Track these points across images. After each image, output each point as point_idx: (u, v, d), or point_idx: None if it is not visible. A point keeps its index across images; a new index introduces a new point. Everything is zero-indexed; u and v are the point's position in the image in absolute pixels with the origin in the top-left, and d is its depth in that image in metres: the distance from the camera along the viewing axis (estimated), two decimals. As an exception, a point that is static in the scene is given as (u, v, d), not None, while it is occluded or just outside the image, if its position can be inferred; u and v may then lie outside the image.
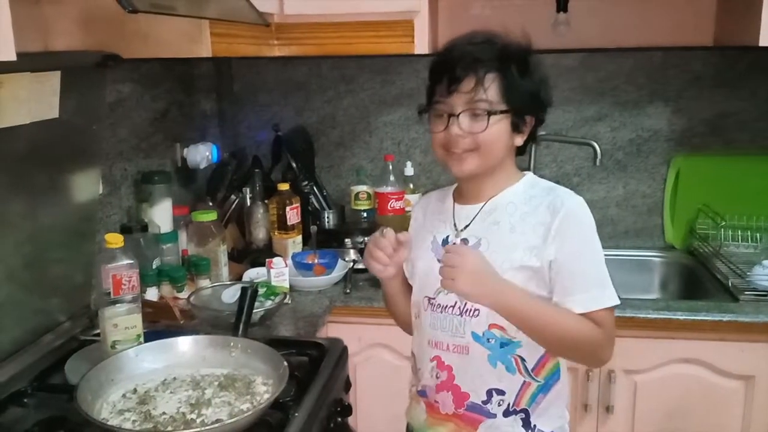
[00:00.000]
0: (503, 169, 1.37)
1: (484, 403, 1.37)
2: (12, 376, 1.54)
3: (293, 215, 2.36)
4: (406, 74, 2.61)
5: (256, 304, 1.72)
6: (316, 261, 2.22)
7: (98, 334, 1.64)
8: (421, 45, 2.11)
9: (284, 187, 2.37)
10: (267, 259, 2.07)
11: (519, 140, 1.34)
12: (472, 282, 1.27)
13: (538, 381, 1.37)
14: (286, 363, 1.41)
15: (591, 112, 2.53)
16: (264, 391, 1.40)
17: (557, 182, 2.63)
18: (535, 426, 1.38)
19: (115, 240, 1.51)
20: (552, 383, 1.38)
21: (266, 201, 2.42)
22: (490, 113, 1.28)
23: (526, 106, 1.32)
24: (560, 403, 1.41)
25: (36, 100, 1.50)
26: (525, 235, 1.32)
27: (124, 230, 1.92)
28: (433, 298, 1.40)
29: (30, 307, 1.66)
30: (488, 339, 1.34)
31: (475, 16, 2.52)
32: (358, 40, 2.10)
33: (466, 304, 1.35)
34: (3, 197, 1.51)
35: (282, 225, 2.35)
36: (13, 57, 1.00)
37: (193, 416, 1.31)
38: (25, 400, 1.47)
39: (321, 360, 1.63)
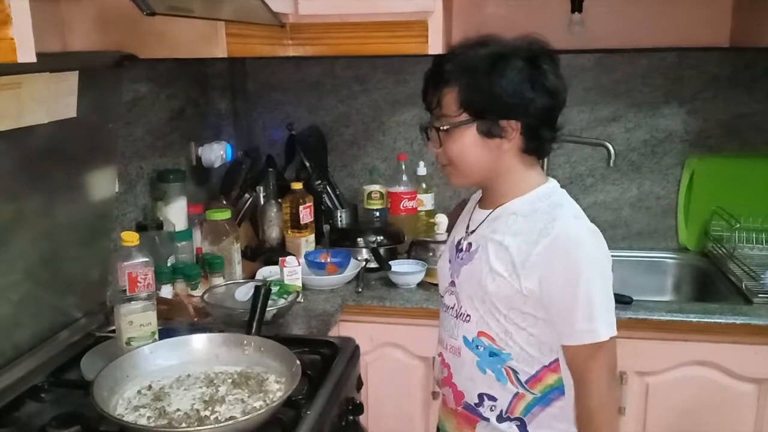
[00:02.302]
0: (509, 176, 1.34)
1: (477, 405, 1.40)
2: (29, 372, 1.56)
3: (306, 214, 2.37)
4: (419, 74, 2.56)
5: (269, 302, 1.72)
6: (328, 260, 2.23)
7: (113, 331, 1.66)
8: (435, 45, 2.11)
9: (297, 186, 2.38)
10: (280, 258, 2.08)
11: (507, 145, 1.30)
12: None
13: (533, 393, 1.35)
14: (298, 361, 1.42)
15: (605, 113, 2.53)
16: (277, 389, 1.41)
17: (570, 183, 2.64)
18: None
19: (131, 238, 1.53)
20: (553, 397, 1.36)
21: (280, 200, 2.43)
22: (438, 129, 1.31)
23: (491, 110, 1.27)
24: (565, 418, 1.37)
25: (54, 99, 1.51)
26: (510, 250, 1.30)
27: (140, 228, 1.94)
28: (442, 297, 1.45)
29: (47, 304, 1.68)
30: (477, 346, 1.37)
31: (489, 16, 2.52)
32: (372, 41, 2.11)
33: (461, 307, 1.38)
34: (22, 195, 1.53)
35: (295, 224, 2.36)
36: (33, 59, 1.01)
37: (207, 413, 1.32)
38: (42, 395, 1.49)
39: (333, 358, 1.64)
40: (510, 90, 1.25)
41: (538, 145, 1.32)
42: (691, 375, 1.96)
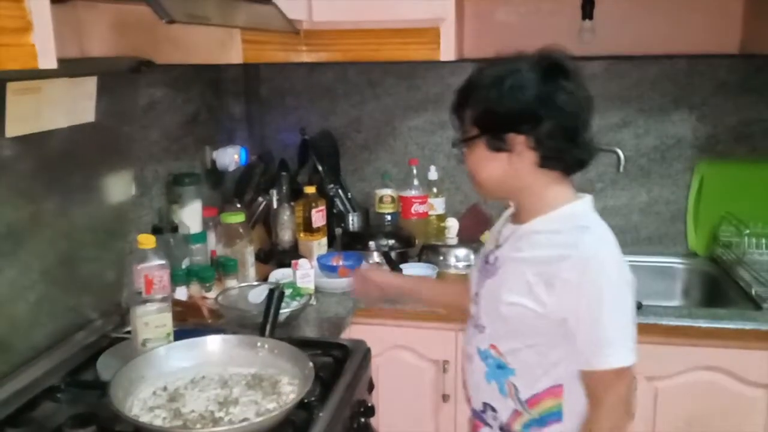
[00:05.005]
0: (531, 192, 1.34)
1: (482, 412, 1.45)
2: (45, 372, 1.59)
3: (319, 218, 2.39)
4: (431, 79, 2.63)
5: (282, 305, 1.75)
6: (340, 263, 2.25)
7: (129, 332, 1.68)
8: (447, 52, 2.13)
9: (310, 189, 2.40)
10: (292, 261, 2.10)
11: (515, 159, 1.29)
12: None
13: (530, 413, 1.36)
14: (311, 364, 1.44)
15: (615, 119, 2.54)
16: (290, 391, 1.43)
17: (580, 188, 2.65)
18: None
19: (147, 241, 1.56)
20: (549, 421, 1.36)
21: (292, 203, 2.45)
22: (453, 143, 1.39)
23: (495, 125, 1.29)
24: None
25: (73, 104, 1.54)
26: (528, 271, 1.30)
27: (155, 231, 1.96)
28: (469, 304, 1.46)
29: (63, 305, 1.70)
30: (487, 357, 1.39)
31: (500, 23, 2.54)
32: (385, 47, 2.13)
33: (479, 318, 1.41)
34: (40, 197, 1.55)
35: (307, 227, 2.39)
36: (54, 65, 1.03)
37: (221, 414, 1.34)
38: (58, 396, 1.51)
39: (345, 361, 1.66)
40: (511, 106, 1.26)
41: (556, 160, 1.31)
42: (700, 380, 1.96)
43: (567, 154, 1.31)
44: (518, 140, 1.28)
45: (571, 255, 1.25)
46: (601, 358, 1.27)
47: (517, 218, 1.39)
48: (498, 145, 1.29)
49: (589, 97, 1.32)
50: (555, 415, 1.35)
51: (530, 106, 1.26)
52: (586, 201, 1.37)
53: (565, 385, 1.33)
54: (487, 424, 1.45)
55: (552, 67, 1.28)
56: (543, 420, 1.36)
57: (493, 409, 1.41)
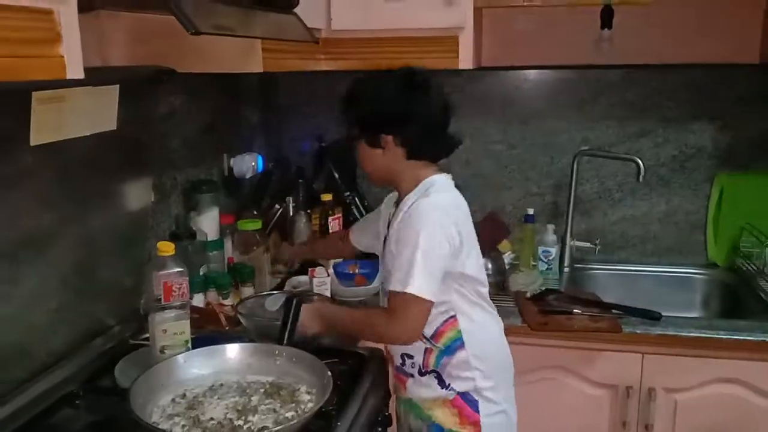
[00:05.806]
0: (403, 179, 1.63)
1: (402, 365, 1.69)
2: (64, 379, 1.59)
3: (335, 225, 2.39)
4: (447, 87, 2.58)
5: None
6: (357, 271, 2.25)
7: (147, 339, 1.68)
8: (466, 60, 2.13)
9: (327, 197, 2.41)
10: (309, 268, 2.11)
11: (389, 153, 1.59)
12: (319, 326, 1.67)
13: (438, 347, 1.62)
14: (329, 372, 1.44)
15: (634, 128, 2.53)
16: (308, 399, 1.42)
17: (599, 198, 2.62)
18: (449, 384, 1.63)
19: (167, 248, 1.55)
20: (455, 349, 1.61)
21: (309, 211, 2.45)
22: (345, 140, 1.69)
23: (369, 126, 1.60)
24: (467, 367, 1.61)
25: (96, 113, 1.55)
26: (393, 230, 1.59)
27: (173, 238, 1.97)
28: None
29: (82, 311, 1.71)
30: None
31: (518, 31, 2.54)
32: (403, 56, 2.11)
33: (384, 283, 1.64)
34: (60, 204, 1.56)
35: (324, 234, 2.39)
36: (81, 75, 1.04)
37: (240, 423, 1.34)
38: (77, 402, 1.52)
39: (362, 370, 1.66)
40: (380, 112, 1.58)
41: (422, 152, 1.60)
42: (719, 392, 1.95)
43: (429, 148, 1.61)
44: (388, 140, 1.58)
45: (411, 210, 1.54)
46: (406, 283, 1.50)
47: (399, 200, 1.66)
48: (374, 142, 1.60)
49: (446, 104, 1.62)
50: (458, 342, 1.61)
51: (395, 113, 1.56)
52: (447, 176, 1.65)
53: (457, 315, 1.60)
54: (409, 375, 1.67)
55: (412, 81, 1.57)
56: (449, 349, 1.61)
57: (410, 356, 1.66)
